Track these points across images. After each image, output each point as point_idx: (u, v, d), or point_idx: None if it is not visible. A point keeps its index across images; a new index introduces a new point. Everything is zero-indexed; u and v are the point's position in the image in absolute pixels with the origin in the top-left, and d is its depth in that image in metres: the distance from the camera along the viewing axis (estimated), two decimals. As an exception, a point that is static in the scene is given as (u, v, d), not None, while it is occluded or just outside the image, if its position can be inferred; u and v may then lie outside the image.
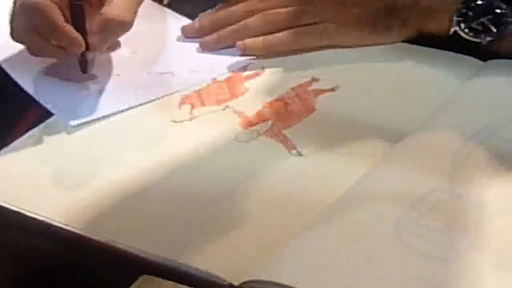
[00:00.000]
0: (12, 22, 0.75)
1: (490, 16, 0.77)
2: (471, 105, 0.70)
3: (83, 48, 0.73)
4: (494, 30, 0.78)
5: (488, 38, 0.78)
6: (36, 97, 0.76)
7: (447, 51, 0.79)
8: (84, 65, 0.75)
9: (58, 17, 0.71)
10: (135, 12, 0.77)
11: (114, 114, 0.74)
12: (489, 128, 0.66)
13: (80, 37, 0.72)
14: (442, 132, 0.66)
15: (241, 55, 0.82)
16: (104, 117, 0.74)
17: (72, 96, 0.77)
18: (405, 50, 0.81)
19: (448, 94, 0.72)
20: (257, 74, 0.80)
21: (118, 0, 0.75)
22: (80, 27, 0.73)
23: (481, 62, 0.77)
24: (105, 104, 0.76)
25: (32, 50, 0.75)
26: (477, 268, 0.53)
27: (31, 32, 0.72)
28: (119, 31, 0.76)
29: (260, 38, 0.82)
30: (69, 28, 0.71)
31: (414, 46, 0.81)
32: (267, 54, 0.82)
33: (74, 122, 0.73)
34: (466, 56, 0.78)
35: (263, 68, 0.81)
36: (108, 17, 0.73)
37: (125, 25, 0.75)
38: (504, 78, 0.74)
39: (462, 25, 0.78)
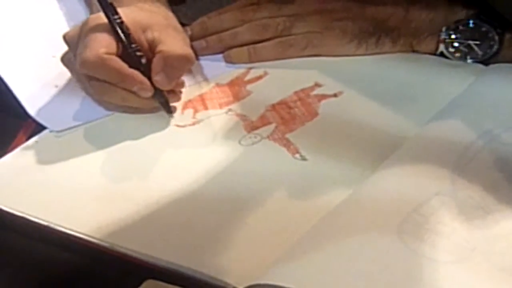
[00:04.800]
0: (70, 67, 0.76)
1: (477, 42, 0.78)
2: (473, 109, 0.70)
3: (151, 91, 0.72)
4: (480, 53, 0.78)
5: (474, 60, 0.78)
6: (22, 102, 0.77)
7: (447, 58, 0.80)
8: (166, 106, 0.74)
9: (122, 65, 0.71)
10: (190, 46, 0.77)
11: (117, 119, 0.75)
12: (492, 132, 0.66)
13: (147, 81, 0.72)
14: (445, 136, 0.66)
15: (227, 63, 0.83)
16: (106, 122, 0.75)
17: (59, 102, 0.77)
18: (407, 56, 0.81)
19: (450, 99, 0.72)
20: (260, 78, 0.80)
21: (171, 39, 0.74)
22: (144, 72, 0.72)
23: (483, 67, 0.78)
24: (93, 110, 0.76)
25: (100, 97, 0.75)
26: (480, 272, 0.53)
27: (98, 82, 0.72)
28: (183, 65, 0.75)
29: (245, 48, 0.83)
30: (136, 73, 0.71)
31: (417, 53, 0.81)
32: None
33: (58, 128, 0.74)
34: (468, 61, 0.79)
35: (265, 71, 0.81)
36: (169, 54, 0.73)
37: (187, 58, 0.74)
38: (506, 82, 0.74)
39: (449, 47, 0.79)
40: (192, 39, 0.84)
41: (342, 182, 0.64)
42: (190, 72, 0.81)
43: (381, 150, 0.67)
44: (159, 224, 0.62)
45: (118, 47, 0.72)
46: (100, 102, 0.75)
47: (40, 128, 0.74)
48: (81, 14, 0.91)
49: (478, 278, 0.53)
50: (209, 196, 0.64)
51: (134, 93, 0.72)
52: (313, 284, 0.53)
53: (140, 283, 0.55)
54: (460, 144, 0.65)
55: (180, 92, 0.77)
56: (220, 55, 0.83)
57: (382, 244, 0.55)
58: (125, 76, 0.71)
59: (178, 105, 0.76)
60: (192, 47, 0.80)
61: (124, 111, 0.75)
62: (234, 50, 0.83)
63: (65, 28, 0.88)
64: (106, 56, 0.70)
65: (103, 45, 0.71)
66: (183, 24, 0.84)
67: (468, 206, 0.59)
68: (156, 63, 0.73)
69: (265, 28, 0.82)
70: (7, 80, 0.80)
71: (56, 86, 0.79)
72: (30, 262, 0.61)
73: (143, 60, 0.73)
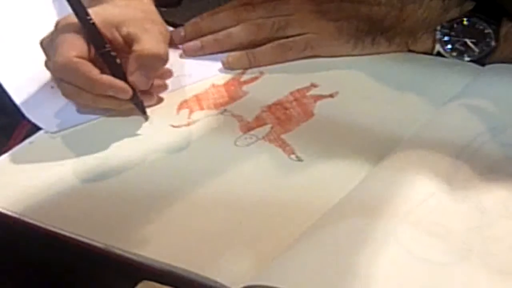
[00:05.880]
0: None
1: (474, 40, 0.78)
2: (470, 109, 0.70)
3: (129, 92, 0.72)
4: (477, 50, 0.78)
5: (471, 58, 0.79)
6: (18, 104, 0.77)
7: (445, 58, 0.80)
8: (140, 107, 0.74)
9: (92, 70, 0.71)
10: (167, 44, 0.77)
11: (113, 120, 0.75)
12: (489, 132, 0.66)
13: (122, 83, 0.72)
14: (441, 136, 0.66)
15: (226, 69, 0.82)
16: (101, 123, 0.74)
17: (55, 103, 0.77)
18: (403, 56, 0.81)
19: (447, 99, 0.72)
20: (256, 78, 0.80)
21: (147, 37, 0.74)
22: (119, 73, 0.72)
23: (480, 67, 0.78)
24: (87, 112, 0.76)
25: (72, 99, 0.75)
26: (476, 273, 0.53)
27: (68, 85, 0.72)
28: (156, 64, 0.75)
29: (243, 53, 0.82)
30: (107, 78, 0.71)
31: (413, 53, 0.81)
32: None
33: (53, 129, 0.73)
34: (464, 61, 0.79)
35: (261, 72, 0.81)
36: (141, 53, 0.73)
37: (160, 57, 0.74)
38: (503, 82, 0.74)
39: (445, 46, 0.79)
40: (185, 40, 0.84)
41: (337, 183, 0.64)
42: (186, 72, 0.81)
43: (377, 151, 0.67)
44: (154, 225, 0.62)
45: (89, 49, 0.72)
46: (75, 103, 0.75)
47: (35, 129, 0.74)
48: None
49: (475, 279, 0.53)
50: (204, 196, 0.64)
51: (113, 97, 0.72)
52: (308, 285, 0.52)
53: (135, 284, 0.55)
54: (457, 144, 0.65)
55: (158, 95, 0.77)
56: (216, 56, 0.83)
57: (378, 246, 0.55)
58: (94, 82, 0.71)
59: (174, 105, 0.76)
60: (170, 41, 0.81)
61: (100, 113, 0.75)
62: (233, 55, 0.82)
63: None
64: (76, 59, 0.70)
65: (73, 48, 0.71)
66: (179, 25, 0.84)
67: (464, 207, 0.59)
68: (130, 63, 0.73)
69: (260, 28, 0.82)
70: (2, 81, 0.80)
71: (52, 87, 0.79)
72: (24, 263, 0.60)
73: (118, 60, 0.72)
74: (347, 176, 0.64)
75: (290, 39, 0.82)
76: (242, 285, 0.54)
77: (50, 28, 0.76)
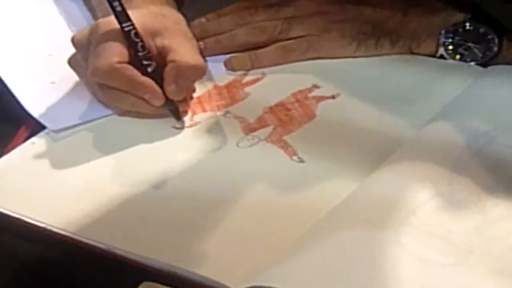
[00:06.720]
0: (77, 70, 0.76)
1: (478, 45, 0.78)
2: (471, 110, 0.70)
3: (162, 100, 0.72)
4: (480, 55, 0.78)
5: (474, 63, 0.79)
6: (20, 100, 0.76)
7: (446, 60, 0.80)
8: (176, 114, 0.74)
9: (135, 73, 0.71)
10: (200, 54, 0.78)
11: (114, 120, 0.75)
12: (489, 134, 0.66)
13: (159, 89, 0.72)
14: (442, 138, 0.66)
15: (228, 70, 0.82)
16: (103, 124, 0.74)
17: (59, 101, 0.77)
18: (405, 58, 0.81)
19: (448, 101, 0.72)
20: (258, 80, 0.80)
21: (182, 47, 0.74)
22: (157, 79, 0.72)
23: (481, 69, 0.78)
24: (92, 109, 0.76)
25: (111, 103, 0.75)
26: (477, 274, 0.53)
27: (109, 89, 0.73)
28: (194, 76, 0.75)
29: (246, 54, 0.82)
30: (150, 82, 0.72)
31: (415, 55, 0.81)
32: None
33: (56, 127, 0.73)
34: (466, 63, 0.79)
35: (263, 73, 0.81)
36: (181, 65, 0.73)
37: (200, 69, 0.74)
38: (505, 84, 0.74)
39: (449, 50, 0.79)
40: None
41: (339, 184, 0.64)
42: None
43: (379, 152, 0.67)
44: (156, 226, 0.62)
45: (130, 53, 0.72)
46: (110, 106, 0.76)
47: (37, 130, 0.74)
48: (76, 11, 0.91)
49: (475, 280, 0.53)
50: (206, 198, 0.64)
51: (144, 99, 0.72)
52: (310, 285, 0.52)
53: (137, 285, 0.55)
54: (458, 146, 0.65)
55: (191, 98, 0.77)
56: (218, 57, 0.83)
57: (379, 246, 0.55)
58: (137, 84, 0.71)
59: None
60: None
61: (134, 115, 0.75)
62: (235, 56, 0.82)
63: (60, 25, 0.89)
64: (118, 65, 0.71)
65: (115, 53, 0.71)
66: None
67: (465, 208, 0.59)
68: (168, 73, 0.72)
69: (262, 31, 0.82)
70: (5, 79, 0.80)
71: (53, 83, 0.79)
72: (25, 263, 0.60)
73: (149, 69, 0.73)
74: (349, 178, 0.64)
75: (293, 40, 0.82)
76: (244, 286, 0.54)
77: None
